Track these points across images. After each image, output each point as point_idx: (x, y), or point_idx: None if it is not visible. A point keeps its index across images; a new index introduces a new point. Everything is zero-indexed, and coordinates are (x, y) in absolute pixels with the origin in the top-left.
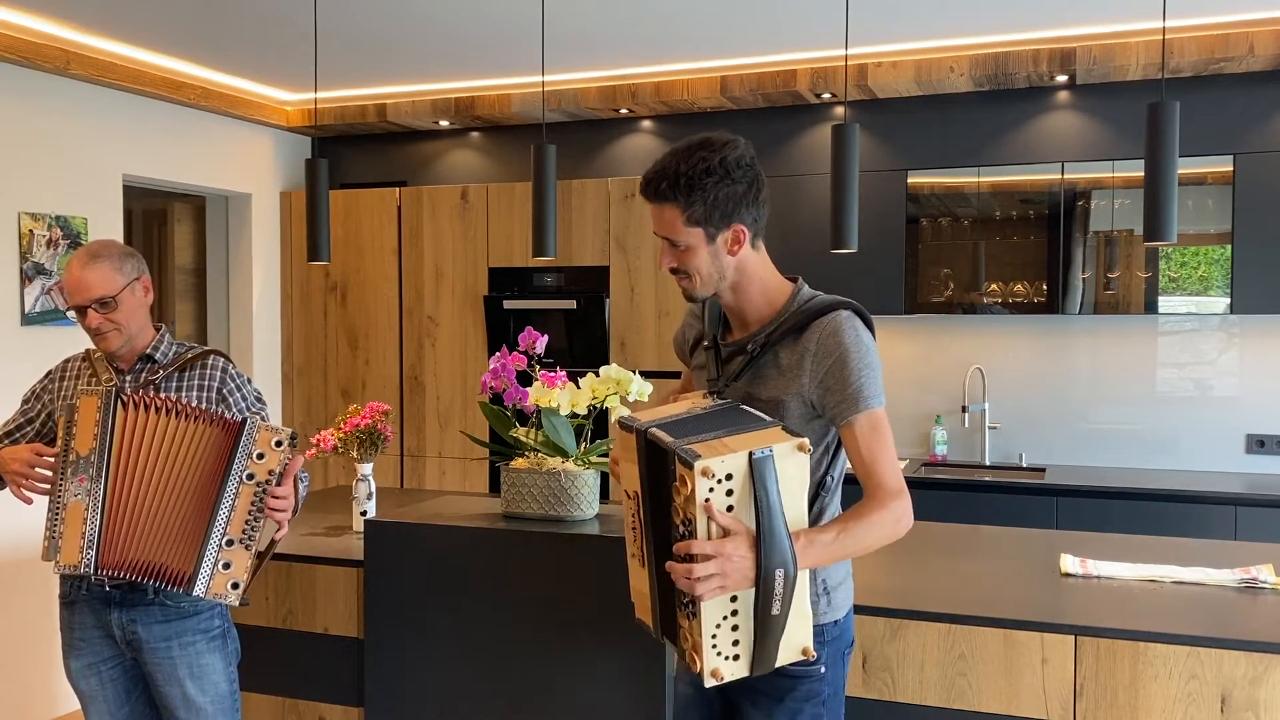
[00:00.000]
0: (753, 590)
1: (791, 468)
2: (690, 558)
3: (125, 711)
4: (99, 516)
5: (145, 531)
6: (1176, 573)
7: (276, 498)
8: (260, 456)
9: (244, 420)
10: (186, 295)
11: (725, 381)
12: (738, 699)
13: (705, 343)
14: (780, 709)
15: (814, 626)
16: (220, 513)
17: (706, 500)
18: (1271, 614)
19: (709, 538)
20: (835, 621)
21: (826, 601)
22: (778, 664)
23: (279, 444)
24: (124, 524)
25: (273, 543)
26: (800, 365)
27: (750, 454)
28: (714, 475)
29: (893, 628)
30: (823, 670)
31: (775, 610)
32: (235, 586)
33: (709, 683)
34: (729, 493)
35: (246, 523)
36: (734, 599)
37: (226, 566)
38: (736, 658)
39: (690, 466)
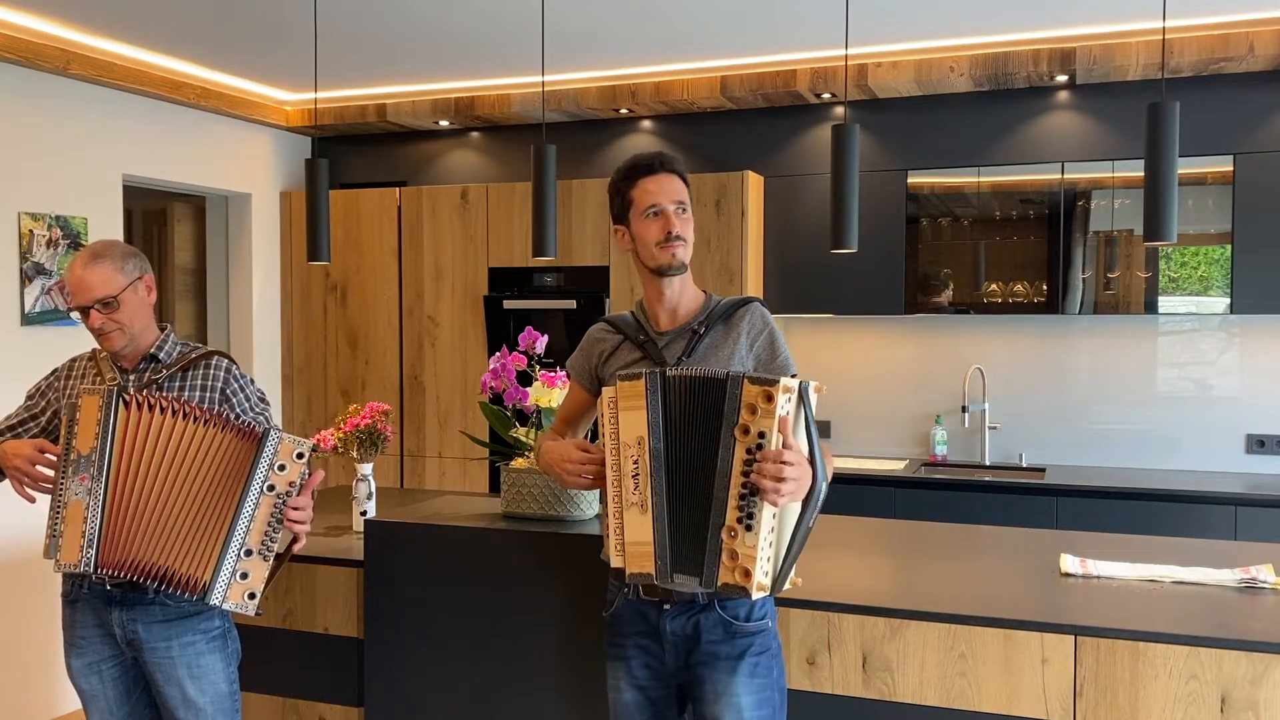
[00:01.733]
0: (793, 505)
1: (812, 402)
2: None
3: (126, 711)
4: (99, 516)
5: (148, 533)
6: (1176, 573)
7: (297, 509)
8: (281, 468)
9: (266, 430)
10: (186, 295)
11: (674, 363)
12: (696, 671)
13: (641, 336)
14: (742, 665)
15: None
16: (240, 522)
17: (783, 416)
18: (1271, 614)
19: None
20: None
21: None
22: (783, 589)
23: (300, 456)
24: (125, 524)
25: (288, 551)
26: (737, 342)
27: (801, 383)
28: (791, 392)
29: (893, 628)
30: (769, 624)
31: (811, 522)
32: (252, 597)
33: (756, 595)
34: (787, 413)
35: (265, 534)
36: (773, 515)
37: (244, 576)
38: (767, 574)
39: (775, 384)
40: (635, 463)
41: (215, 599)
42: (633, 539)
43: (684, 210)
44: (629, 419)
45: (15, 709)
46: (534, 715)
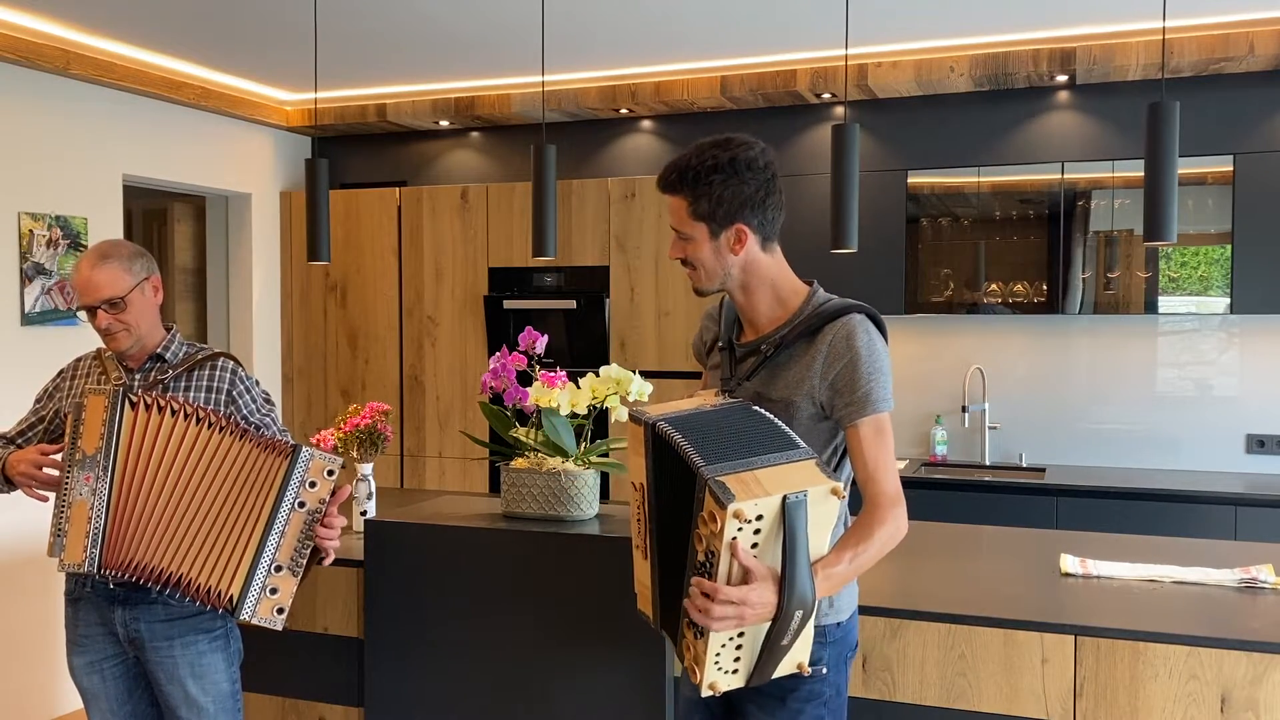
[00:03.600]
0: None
1: (821, 511)
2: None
3: (127, 710)
4: (104, 515)
5: (155, 536)
6: (1176, 573)
7: (327, 526)
8: (313, 485)
9: (297, 446)
10: (186, 295)
11: (738, 381)
12: (741, 702)
13: (720, 344)
14: (783, 710)
15: (816, 627)
16: (271, 538)
17: (733, 539)
18: (1271, 614)
19: (730, 575)
20: (838, 624)
21: (828, 603)
22: (773, 677)
23: (330, 474)
24: (130, 526)
25: (309, 566)
26: (812, 367)
27: (785, 498)
28: (745, 517)
29: (893, 628)
30: (824, 671)
31: (785, 642)
32: (280, 612)
33: (705, 694)
34: (756, 531)
35: (295, 549)
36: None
37: (273, 592)
38: (735, 671)
39: (723, 506)
40: (639, 508)
41: (245, 614)
42: (639, 578)
43: (681, 236)
44: (635, 462)
45: (15, 709)
46: (534, 715)
